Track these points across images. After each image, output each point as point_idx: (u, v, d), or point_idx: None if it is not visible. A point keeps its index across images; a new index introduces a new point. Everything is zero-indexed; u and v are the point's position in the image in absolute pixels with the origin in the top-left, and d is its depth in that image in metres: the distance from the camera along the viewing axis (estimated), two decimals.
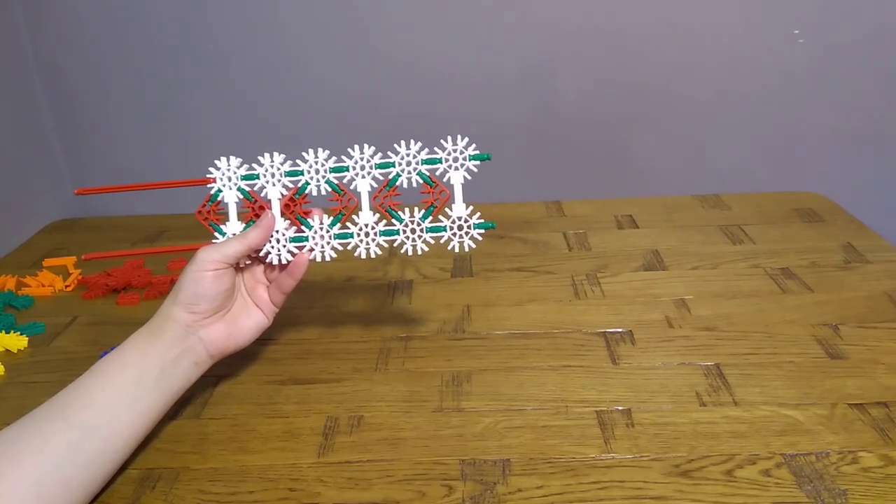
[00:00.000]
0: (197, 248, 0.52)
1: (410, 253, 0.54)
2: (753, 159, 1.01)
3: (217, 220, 0.56)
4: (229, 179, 0.55)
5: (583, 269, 0.76)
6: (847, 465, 0.47)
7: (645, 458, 0.48)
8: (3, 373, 0.62)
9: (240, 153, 0.57)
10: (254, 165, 0.55)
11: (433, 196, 0.54)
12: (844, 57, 0.95)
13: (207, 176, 0.55)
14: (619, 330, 0.64)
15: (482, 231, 0.54)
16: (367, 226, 0.55)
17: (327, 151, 0.54)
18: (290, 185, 0.55)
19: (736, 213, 0.88)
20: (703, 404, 0.54)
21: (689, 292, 0.70)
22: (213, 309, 0.51)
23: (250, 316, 0.55)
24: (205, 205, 0.56)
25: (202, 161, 1.04)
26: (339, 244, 0.55)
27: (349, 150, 0.54)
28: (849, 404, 0.53)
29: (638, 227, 0.86)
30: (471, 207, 0.54)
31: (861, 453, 0.48)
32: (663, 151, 1.01)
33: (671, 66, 0.96)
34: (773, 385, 0.55)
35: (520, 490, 0.46)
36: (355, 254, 0.55)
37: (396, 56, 0.96)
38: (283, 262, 0.55)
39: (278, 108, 0.99)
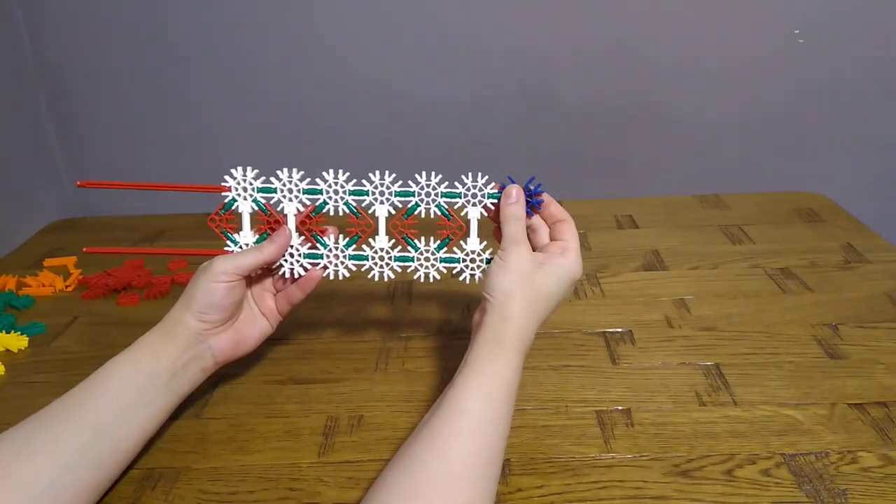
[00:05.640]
0: (199, 253, 0.52)
1: (423, 280, 0.55)
2: (753, 159, 1.01)
3: (229, 228, 0.56)
4: (245, 190, 0.55)
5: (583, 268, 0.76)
6: (846, 464, 0.47)
7: (645, 458, 0.49)
8: (3, 373, 0.62)
9: (241, 153, 0.57)
10: (271, 179, 0.55)
11: (449, 229, 0.54)
12: (844, 57, 0.95)
13: (222, 184, 0.55)
14: (619, 330, 0.64)
15: None
16: (382, 250, 0.55)
17: (347, 174, 0.54)
18: (307, 202, 0.55)
19: (736, 213, 0.88)
20: (702, 404, 0.54)
21: (688, 292, 0.70)
22: (223, 319, 0.52)
23: (255, 325, 0.55)
24: (218, 212, 0.55)
25: (202, 161, 1.04)
26: (354, 265, 0.56)
27: (370, 174, 0.54)
28: (848, 404, 0.53)
29: (638, 227, 0.86)
30: (484, 242, 0.55)
31: (860, 453, 0.48)
32: (663, 151, 1.01)
33: (671, 67, 0.96)
34: (772, 385, 0.56)
35: (520, 490, 0.46)
36: (368, 276, 0.55)
37: (397, 56, 0.96)
38: (296, 276, 0.55)
39: (279, 108, 0.99)
